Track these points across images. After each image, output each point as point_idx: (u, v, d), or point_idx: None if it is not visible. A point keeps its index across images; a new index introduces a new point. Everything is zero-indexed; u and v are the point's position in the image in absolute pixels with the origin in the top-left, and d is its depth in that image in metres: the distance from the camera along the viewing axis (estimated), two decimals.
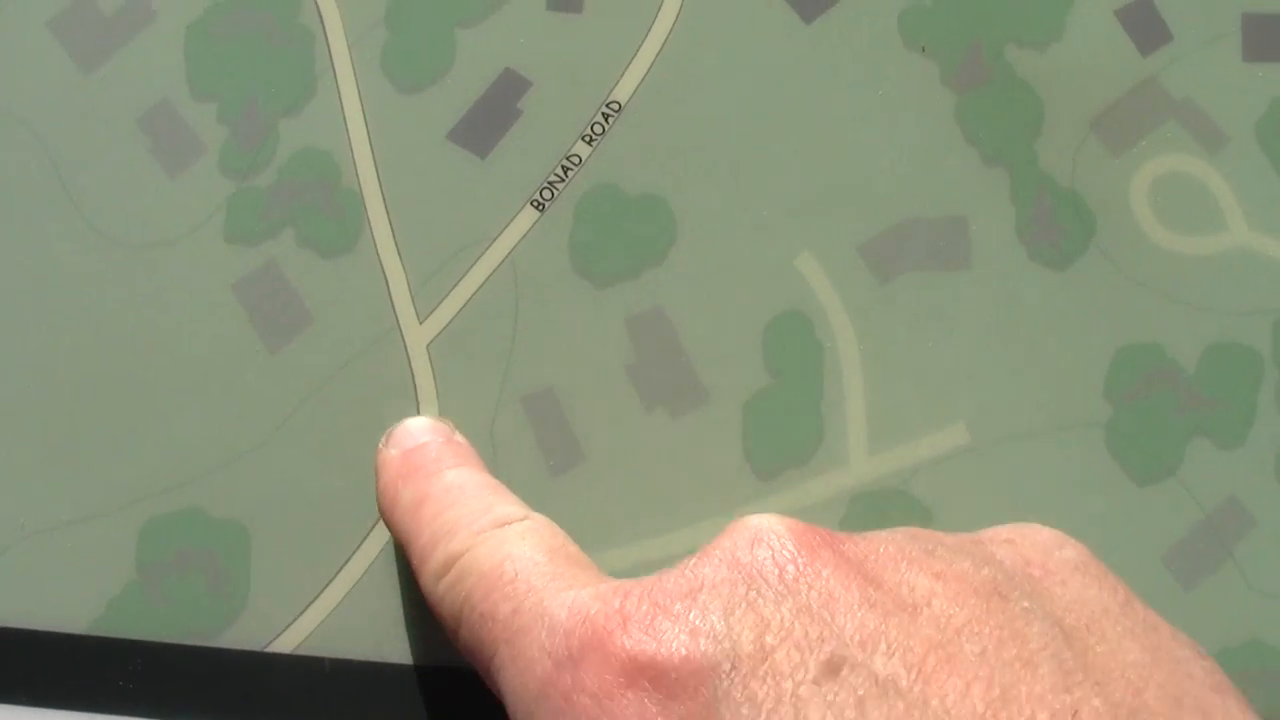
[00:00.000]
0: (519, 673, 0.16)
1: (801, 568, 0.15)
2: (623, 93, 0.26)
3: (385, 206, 0.26)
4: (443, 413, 0.25)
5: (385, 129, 0.26)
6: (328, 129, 0.26)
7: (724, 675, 0.14)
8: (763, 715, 0.14)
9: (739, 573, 0.15)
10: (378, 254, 0.25)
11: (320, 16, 0.26)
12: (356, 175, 0.26)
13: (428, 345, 0.25)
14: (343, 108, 0.26)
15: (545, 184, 0.26)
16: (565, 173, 0.26)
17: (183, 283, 0.25)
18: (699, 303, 0.25)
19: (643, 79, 0.26)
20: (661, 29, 0.26)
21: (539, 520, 0.19)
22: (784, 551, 0.15)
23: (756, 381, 0.24)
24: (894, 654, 0.14)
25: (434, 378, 0.25)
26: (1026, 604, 0.14)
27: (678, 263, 0.25)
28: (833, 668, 0.14)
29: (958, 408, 0.24)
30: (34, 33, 0.26)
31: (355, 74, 0.26)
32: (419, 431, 0.22)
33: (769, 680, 0.14)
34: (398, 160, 0.26)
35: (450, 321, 0.25)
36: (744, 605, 0.15)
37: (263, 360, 0.25)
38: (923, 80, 0.25)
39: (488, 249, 0.25)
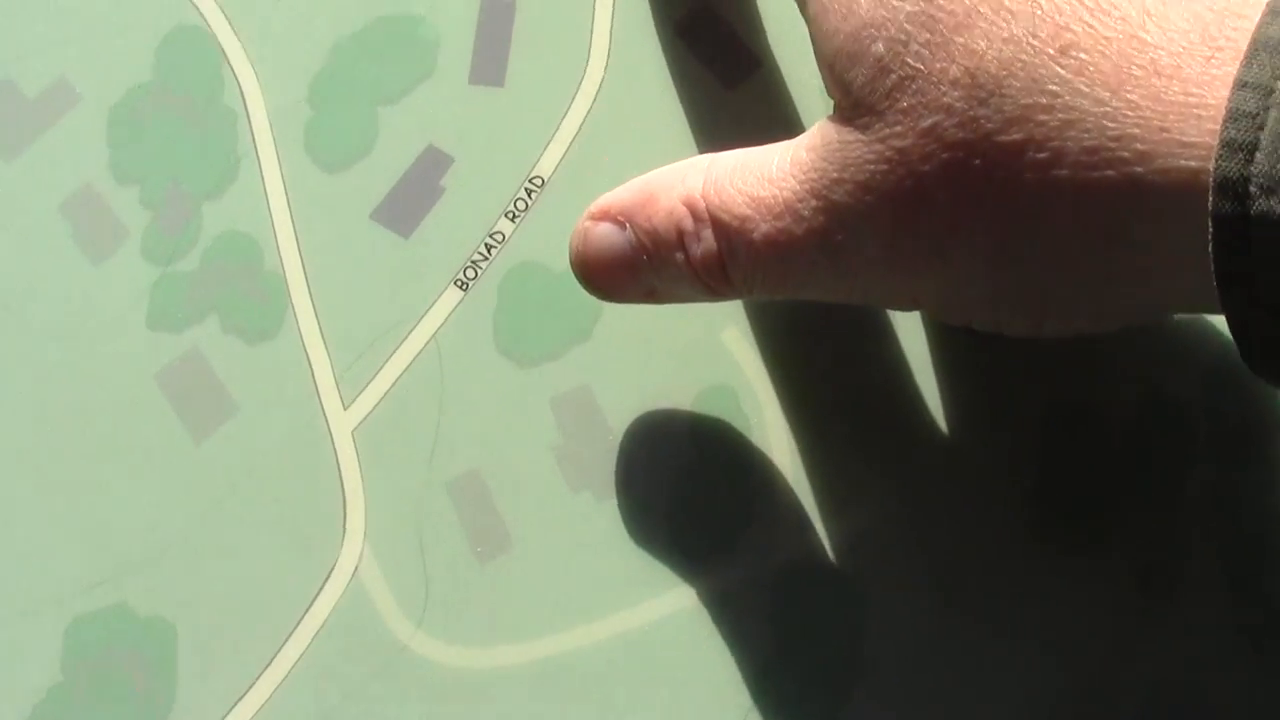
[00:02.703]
0: None
1: None
2: (545, 168, 0.26)
3: (309, 290, 0.26)
4: (368, 500, 0.25)
5: (308, 210, 0.26)
6: (251, 211, 0.26)
7: None
8: None
9: None
10: (302, 340, 0.25)
11: (243, 96, 0.27)
12: (280, 258, 0.26)
13: (353, 431, 0.25)
14: (265, 189, 0.26)
15: (469, 263, 0.26)
16: (488, 250, 0.26)
17: (106, 372, 0.25)
18: (625, 380, 0.25)
19: (565, 153, 0.26)
20: (584, 102, 0.26)
21: None
22: None
23: (684, 458, 0.24)
24: None
25: (359, 464, 0.25)
26: None
27: (603, 339, 0.25)
28: None
29: (886, 484, 0.24)
30: None
31: (278, 154, 0.26)
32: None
33: None
34: (321, 242, 0.26)
35: (375, 406, 0.25)
36: None
37: (188, 450, 0.25)
38: None
39: (412, 330, 0.25)
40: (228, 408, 0.26)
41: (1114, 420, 0.24)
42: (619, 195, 0.21)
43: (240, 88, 0.27)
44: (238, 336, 0.26)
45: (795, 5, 0.20)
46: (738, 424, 0.25)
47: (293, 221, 0.26)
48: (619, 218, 0.20)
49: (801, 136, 0.18)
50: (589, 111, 0.26)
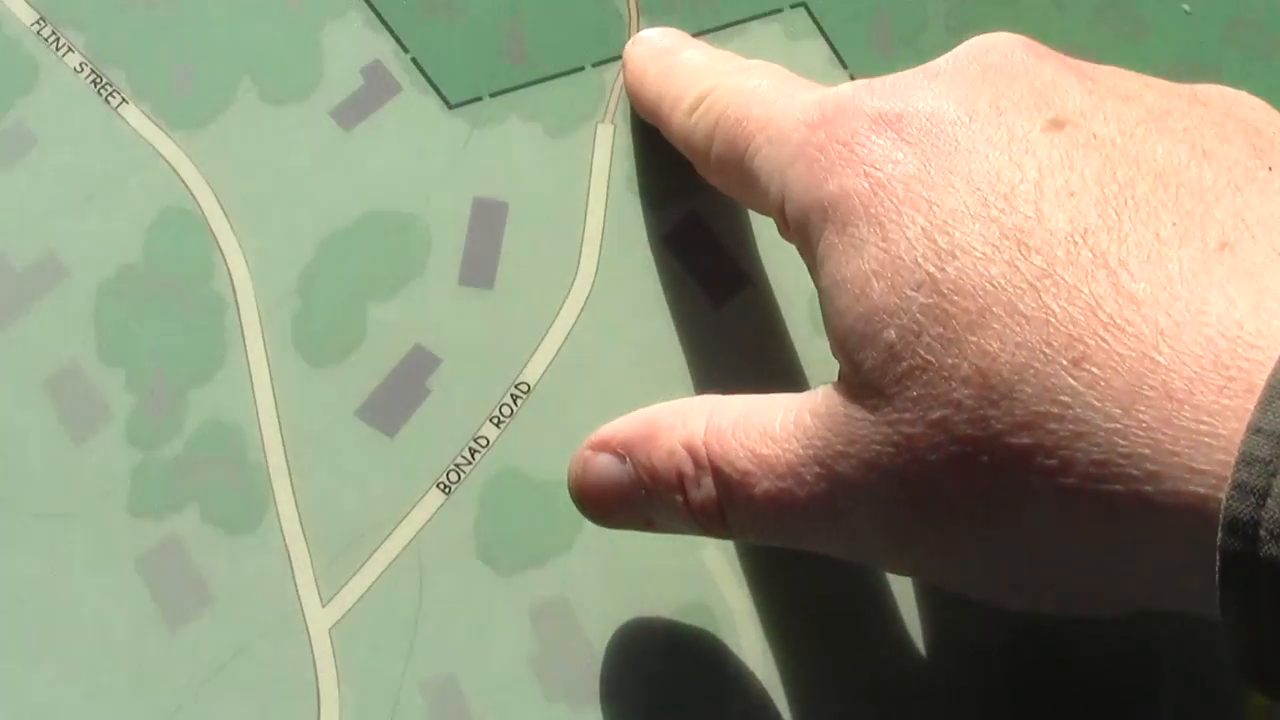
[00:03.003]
0: (775, 147, 0.19)
1: (1029, 62, 0.18)
2: (532, 374, 0.26)
3: (291, 485, 0.26)
4: (342, 699, 0.25)
5: (294, 404, 0.26)
6: (236, 401, 0.26)
7: (963, 125, 0.17)
8: (997, 151, 0.16)
9: (974, 63, 0.18)
10: (282, 534, 0.26)
11: (233, 283, 0.27)
12: (263, 451, 0.26)
13: (330, 629, 0.25)
14: (252, 380, 0.26)
15: (452, 466, 0.26)
16: (472, 455, 0.26)
17: (84, 556, 0.26)
18: (604, 593, 0.25)
19: (552, 359, 0.26)
20: (573, 308, 0.27)
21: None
22: (1015, 52, 0.18)
23: (661, 673, 0.25)
24: (1110, 122, 0.17)
25: (335, 663, 0.25)
26: (1224, 111, 0.17)
27: (584, 550, 0.26)
28: (1057, 125, 0.17)
29: (861, 706, 0.25)
30: None
31: (265, 345, 0.27)
32: (661, 33, 0.25)
33: (1003, 128, 0.17)
34: (305, 437, 0.26)
35: (353, 606, 0.26)
36: (980, 81, 0.18)
37: (162, 641, 0.25)
38: (831, 364, 0.26)
39: (393, 531, 0.26)
40: (204, 599, 0.26)
41: (1084, 654, 0.25)
42: (620, 427, 0.21)
43: (230, 275, 0.27)
44: (218, 527, 0.26)
45: (780, 233, 0.21)
46: (715, 641, 0.26)
47: (278, 414, 0.27)
48: (619, 450, 0.21)
49: (805, 397, 0.19)
50: (577, 319, 0.27)
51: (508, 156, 0.28)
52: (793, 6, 0.29)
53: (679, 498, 0.20)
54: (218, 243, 0.28)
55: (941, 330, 0.16)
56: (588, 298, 0.27)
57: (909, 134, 0.17)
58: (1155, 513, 0.14)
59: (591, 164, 0.28)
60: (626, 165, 0.28)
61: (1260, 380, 0.13)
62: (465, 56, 0.29)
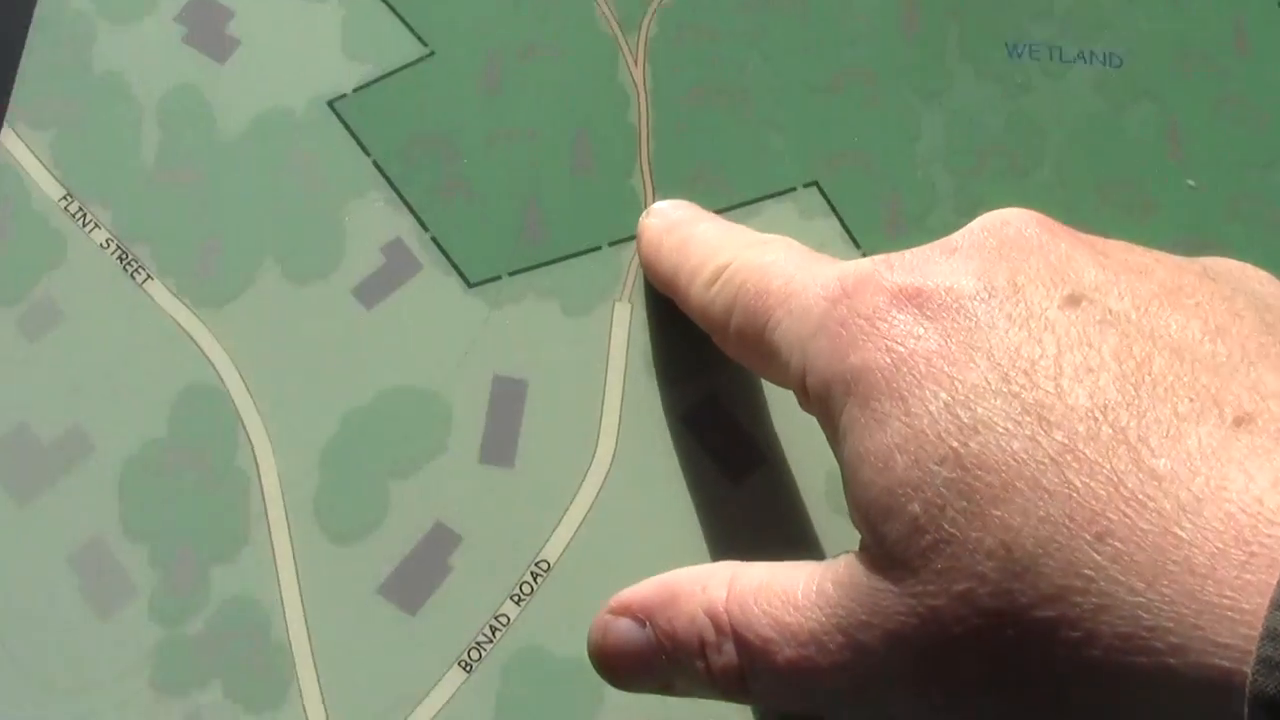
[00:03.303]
0: (796, 320, 0.23)
1: (1043, 238, 0.21)
2: (552, 552, 0.33)
3: (314, 662, 0.33)
4: None
5: (316, 581, 0.33)
6: (259, 578, 0.33)
7: (982, 300, 0.20)
8: (1016, 327, 0.20)
9: (990, 238, 0.22)
10: (305, 712, 0.32)
11: (255, 460, 0.34)
12: (286, 628, 0.33)
13: None
14: (274, 556, 0.33)
15: (473, 644, 0.33)
16: (493, 633, 0.33)
17: None
18: None
19: (572, 537, 0.33)
20: (592, 486, 0.34)
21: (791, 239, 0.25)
22: (1029, 227, 0.22)
23: None
24: (1124, 297, 0.20)
25: None
26: (1233, 285, 0.20)
27: None
28: (1074, 301, 0.20)
29: None
30: None
31: (288, 521, 0.34)
32: (674, 205, 0.30)
33: (1022, 304, 0.20)
34: (328, 614, 0.33)
35: None
36: (996, 257, 0.21)
37: None
38: (849, 540, 0.33)
39: (414, 710, 0.32)
40: None
41: None
42: (641, 592, 0.24)
43: (254, 451, 0.34)
44: (241, 703, 0.33)
45: (800, 405, 0.25)
46: None
47: (300, 591, 0.34)
48: (639, 615, 0.24)
49: (828, 565, 0.21)
50: (596, 496, 0.34)
51: (527, 335, 0.34)
52: (805, 186, 0.37)
53: (700, 663, 0.22)
54: (241, 419, 0.35)
55: (966, 504, 0.18)
56: (607, 475, 0.34)
57: (929, 309, 0.20)
58: (1180, 686, 0.16)
59: (609, 342, 0.34)
60: (644, 343, 0.34)
61: None
62: (484, 235, 0.35)
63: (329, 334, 0.33)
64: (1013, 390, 0.19)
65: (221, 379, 0.33)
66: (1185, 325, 0.19)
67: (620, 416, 0.32)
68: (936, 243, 0.22)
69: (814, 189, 0.34)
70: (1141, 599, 0.17)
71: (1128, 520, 0.17)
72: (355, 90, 0.35)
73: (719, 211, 0.33)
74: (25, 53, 0.36)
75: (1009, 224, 0.22)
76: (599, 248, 0.34)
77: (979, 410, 0.19)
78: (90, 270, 0.34)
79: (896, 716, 0.21)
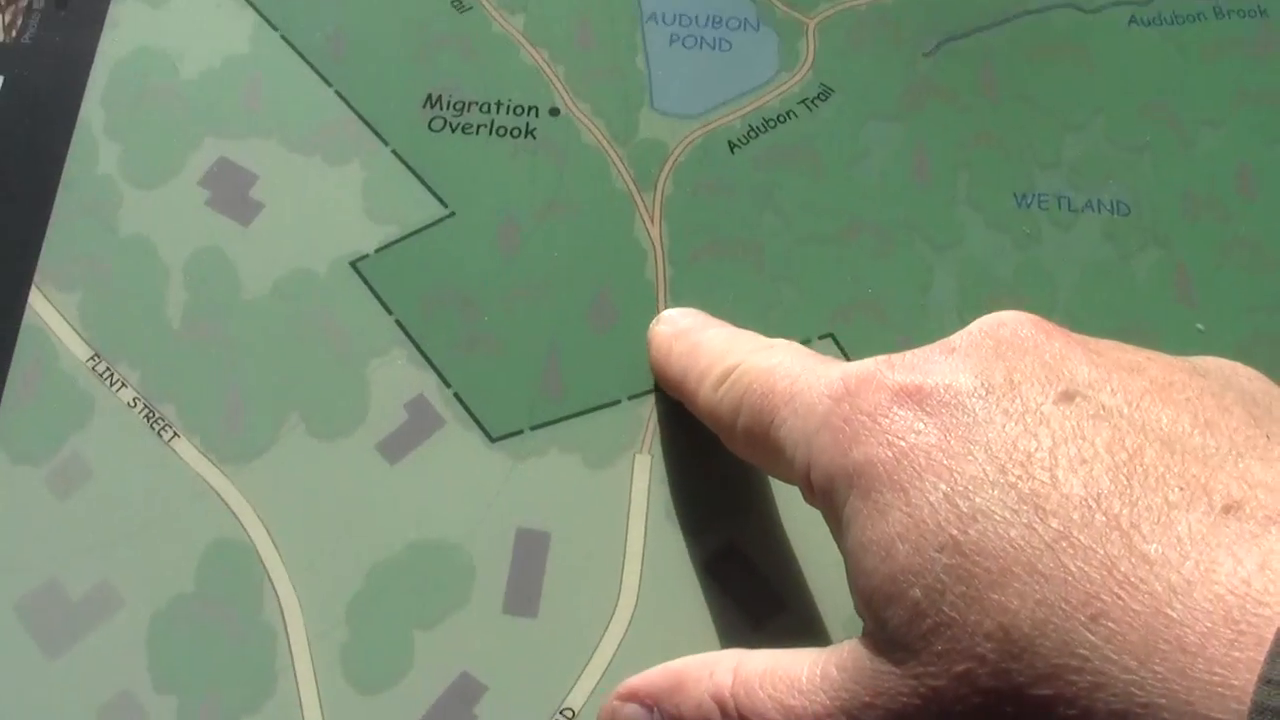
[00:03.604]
0: (800, 418, 0.28)
1: (1038, 338, 0.26)
2: (576, 700, 0.39)
3: None
4: None
5: None
6: None
7: (980, 397, 0.24)
8: (1013, 422, 0.23)
9: (987, 338, 0.26)
10: None
11: (282, 613, 0.42)
12: None
13: None
14: (302, 708, 0.40)
15: None
16: None
17: None
18: None
19: (595, 686, 0.39)
20: (615, 635, 0.40)
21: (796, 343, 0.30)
22: (1024, 328, 0.26)
23: None
24: (1116, 393, 0.24)
25: None
26: (1222, 382, 0.24)
27: None
28: (1068, 397, 0.24)
29: None
30: (1, 614, 0.38)
31: (315, 673, 0.41)
32: (683, 313, 0.37)
33: (1018, 400, 0.24)
34: None
35: None
36: (993, 356, 0.25)
37: None
38: None
39: None
40: None
41: None
42: (648, 679, 0.29)
43: (280, 604, 0.42)
44: None
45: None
46: None
47: None
48: (647, 701, 0.28)
49: (831, 651, 0.25)
50: (619, 645, 0.39)
51: (549, 488, 0.40)
52: (820, 338, 0.43)
53: None
54: (268, 573, 0.42)
55: (965, 589, 0.22)
56: (630, 624, 0.38)
57: (929, 406, 0.24)
58: None
59: (630, 493, 0.40)
60: (665, 494, 0.39)
61: (1269, 634, 0.18)
62: (506, 391, 0.41)
63: (354, 489, 0.38)
64: (1009, 481, 0.23)
65: (248, 534, 0.39)
66: (1176, 419, 0.23)
67: (642, 566, 0.36)
68: (936, 344, 0.27)
69: (829, 340, 0.41)
70: (1135, 677, 0.20)
71: (1121, 602, 0.20)
72: (377, 250, 0.42)
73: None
74: (52, 216, 0.42)
75: (1005, 325, 0.27)
76: (619, 401, 0.40)
77: (977, 500, 0.23)
78: (118, 429, 0.39)
79: None
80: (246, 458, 0.40)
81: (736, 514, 0.38)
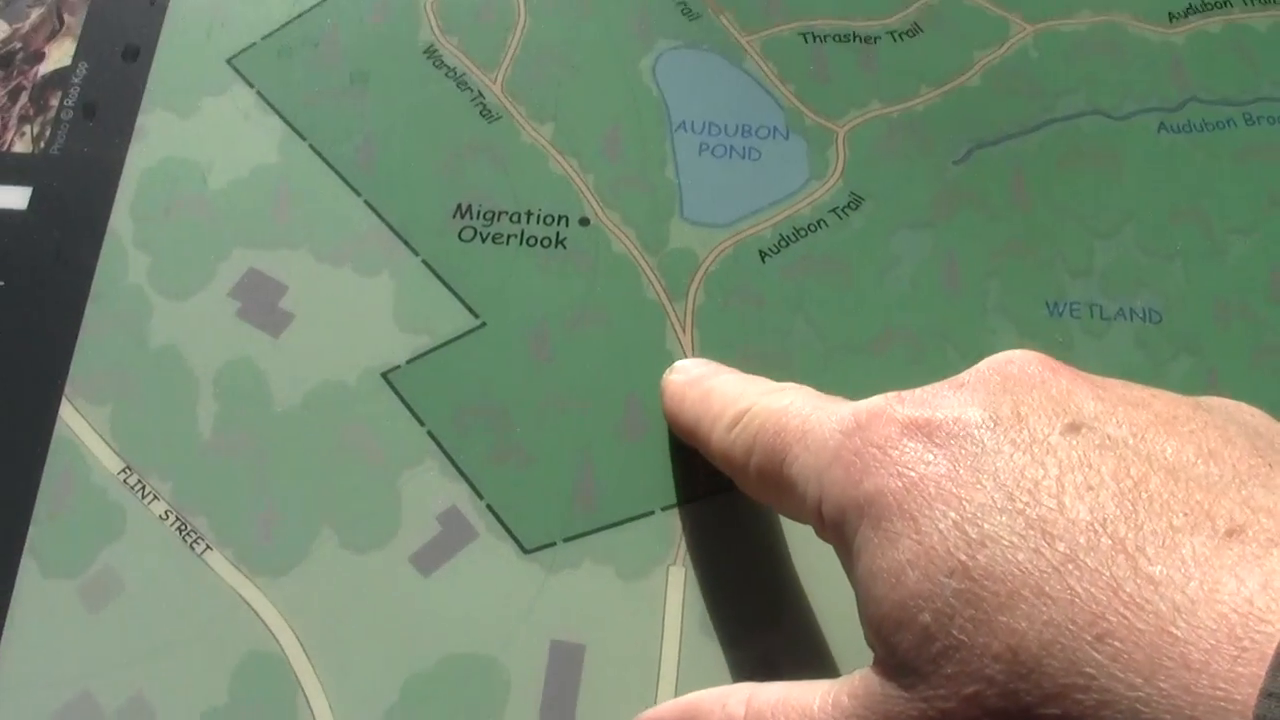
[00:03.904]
0: (812, 454, 0.30)
1: (1045, 374, 0.28)
2: None
3: None
4: None
5: None
6: None
7: (988, 429, 0.27)
8: (1020, 451, 0.26)
9: (995, 374, 0.28)
10: None
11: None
12: None
13: None
14: None
15: None
16: None
17: None
18: None
19: None
20: None
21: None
22: (1031, 365, 0.28)
23: None
24: (1122, 425, 0.26)
25: None
26: (1225, 416, 0.26)
27: None
28: (1074, 428, 0.26)
29: None
30: None
31: None
32: (695, 362, 0.41)
33: (1025, 431, 0.26)
34: None
35: None
36: (1001, 391, 0.28)
37: None
38: None
39: None
40: None
41: None
42: (663, 712, 0.31)
43: (314, 718, 0.48)
44: None
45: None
46: None
47: None
48: None
49: (842, 681, 0.27)
50: None
51: (582, 600, 0.41)
52: None
53: None
54: (301, 686, 0.42)
55: (974, 612, 0.24)
56: None
57: (938, 437, 0.27)
58: None
59: (665, 605, 0.41)
60: (699, 606, 0.41)
61: (1270, 650, 0.20)
62: (539, 502, 0.43)
63: (387, 601, 0.40)
64: (1017, 507, 0.25)
65: (281, 647, 0.42)
66: (1180, 449, 0.25)
67: (678, 678, 0.38)
68: (946, 381, 0.29)
69: None
70: (1140, 694, 0.22)
71: (1126, 621, 0.22)
72: (408, 361, 0.44)
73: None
74: (82, 328, 0.43)
75: (1013, 362, 0.29)
76: (652, 513, 0.42)
77: (985, 526, 0.25)
78: (150, 541, 0.42)
79: None
80: (279, 570, 0.42)
81: (771, 626, 0.41)
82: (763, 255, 0.46)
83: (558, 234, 0.46)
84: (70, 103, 0.50)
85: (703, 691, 0.33)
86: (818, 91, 0.48)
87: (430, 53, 0.49)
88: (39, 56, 0.51)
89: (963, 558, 0.26)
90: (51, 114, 0.50)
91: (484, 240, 0.47)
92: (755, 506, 0.41)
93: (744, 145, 0.48)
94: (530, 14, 0.48)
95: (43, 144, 0.49)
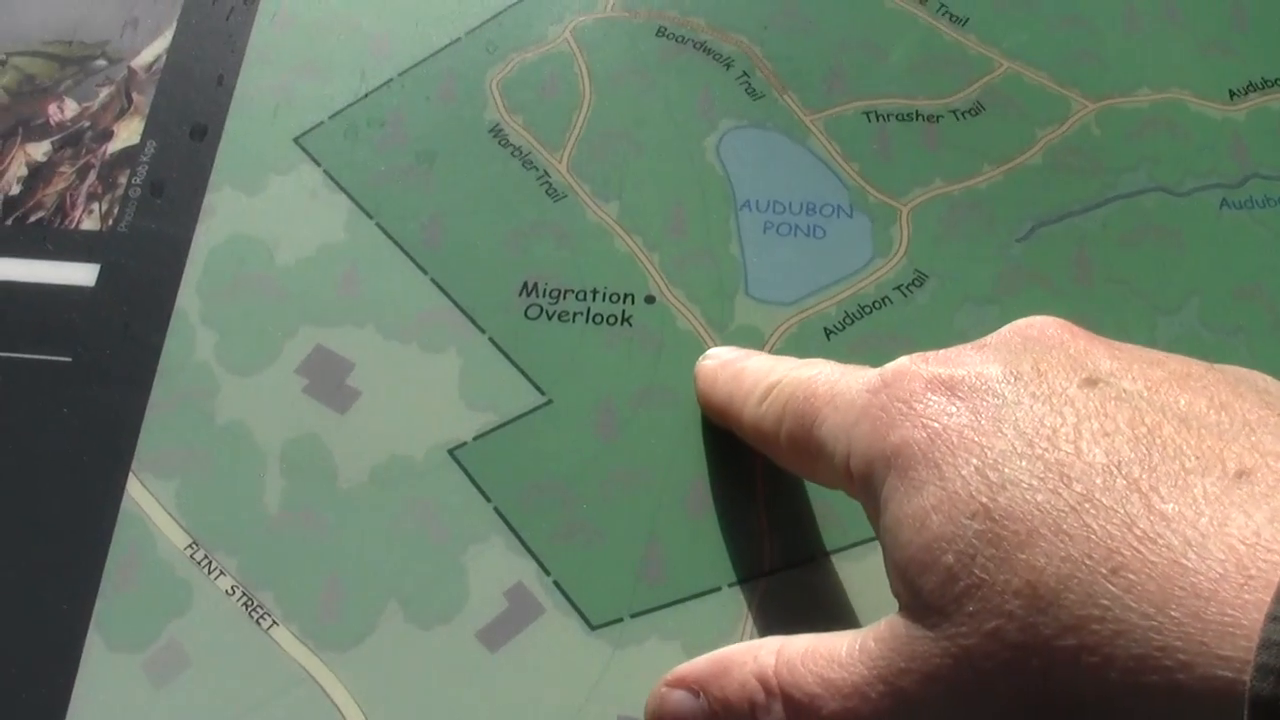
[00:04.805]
0: (841, 413, 0.32)
1: (1064, 336, 0.30)
2: None
3: None
4: None
5: None
6: None
7: (1009, 383, 0.29)
8: (1039, 403, 0.28)
9: (1016, 336, 0.31)
10: None
11: None
12: None
13: None
14: None
15: None
16: None
17: None
18: None
19: None
20: None
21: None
22: (1050, 328, 0.30)
23: None
24: (1137, 380, 0.28)
25: None
26: (1235, 376, 0.28)
27: None
28: (1091, 382, 0.28)
29: None
30: None
31: None
32: (727, 349, 0.42)
33: (1044, 385, 0.28)
34: None
35: None
36: (1022, 350, 0.30)
37: None
38: None
39: None
40: None
41: None
42: (695, 665, 0.33)
43: None
44: None
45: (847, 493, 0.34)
46: None
47: None
48: (694, 686, 0.32)
49: (870, 627, 0.28)
50: None
51: (650, 676, 0.39)
52: None
53: None
54: None
55: (994, 551, 0.26)
56: None
57: (961, 392, 0.29)
58: (1189, 700, 0.22)
59: None
60: None
61: (1276, 578, 0.21)
62: (605, 578, 0.44)
63: (454, 677, 0.40)
64: (1036, 453, 0.27)
65: None
66: (1193, 402, 0.27)
67: None
68: (968, 343, 0.32)
69: None
70: (1153, 622, 0.23)
71: (1140, 555, 0.24)
72: (475, 438, 0.46)
73: (832, 552, 0.46)
74: (149, 404, 0.45)
75: (1033, 326, 0.31)
76: (719, 589, 0.43)
77: (1006, 470, 0.27)
78: (216, 617, 0.42)
79: None
80: (345, 646, 0.42)
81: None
82: (828, 333, 0.46)
83: (623, 311, 0.47)
84: (138, 181, 0.51)
85: (734, 645, 0.34)
86: (881, 170, 0.49)
87: (496, 132, 0.50)
88: (108, 135, 0.52)
89: (984, 500, 0.27)
90: (120, 192, 0.51)
91: (550, 318, 0.47)
92: (824, 581, 0.42)
93: (808, 223, 0.49)
94: (595, 93, 0.49)
95: (110, 221, 0.50)
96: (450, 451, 0.45)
